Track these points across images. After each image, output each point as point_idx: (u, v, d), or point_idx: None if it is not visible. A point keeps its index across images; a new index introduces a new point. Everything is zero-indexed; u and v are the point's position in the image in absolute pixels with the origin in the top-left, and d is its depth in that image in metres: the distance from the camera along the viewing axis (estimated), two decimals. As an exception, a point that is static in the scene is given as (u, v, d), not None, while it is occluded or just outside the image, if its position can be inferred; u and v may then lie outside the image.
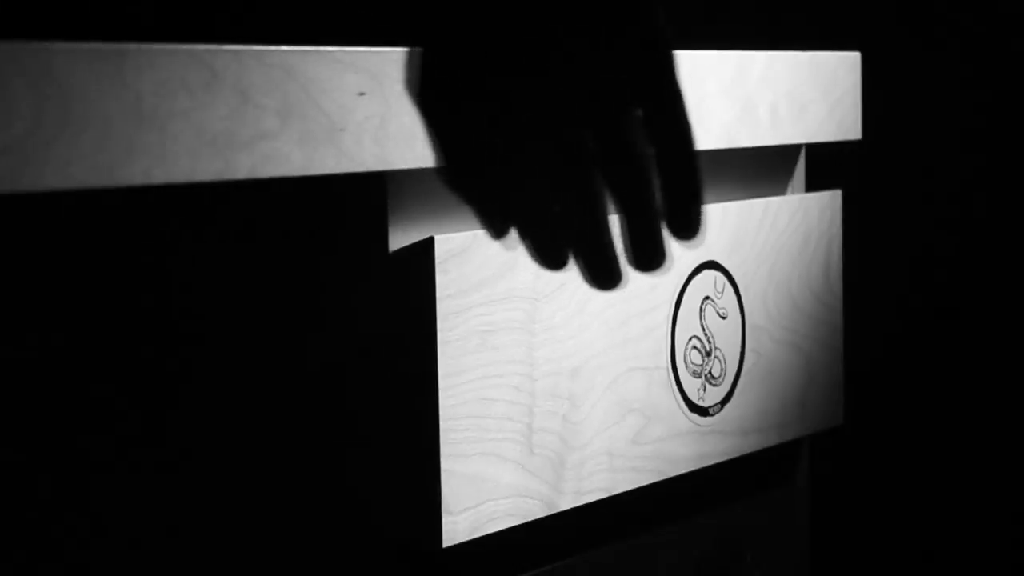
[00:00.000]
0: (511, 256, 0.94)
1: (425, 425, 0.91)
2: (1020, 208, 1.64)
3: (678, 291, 1.07)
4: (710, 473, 1.14)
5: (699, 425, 1.10)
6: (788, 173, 1.25)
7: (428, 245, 0.90)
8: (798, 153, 1.25)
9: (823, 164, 1.34)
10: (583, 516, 1.03)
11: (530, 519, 0.97)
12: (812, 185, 1.27)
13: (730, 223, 1.12)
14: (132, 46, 0.74)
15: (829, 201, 1.23)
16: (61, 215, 0.79)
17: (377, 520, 0.93)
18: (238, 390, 0.87)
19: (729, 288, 1.12)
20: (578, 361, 0.99)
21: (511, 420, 0.95)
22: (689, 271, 1.08)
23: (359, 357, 0.91)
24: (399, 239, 0.91)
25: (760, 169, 1.21)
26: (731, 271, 1.12)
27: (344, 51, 0.84)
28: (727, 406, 1.12)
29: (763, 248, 1.15)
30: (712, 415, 1.11)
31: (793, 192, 1.25)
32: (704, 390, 1.10)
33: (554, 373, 0.98)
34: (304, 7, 1.60)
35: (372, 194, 0.90)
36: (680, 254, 1.07)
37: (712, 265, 1.10)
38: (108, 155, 0.73)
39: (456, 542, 0.92)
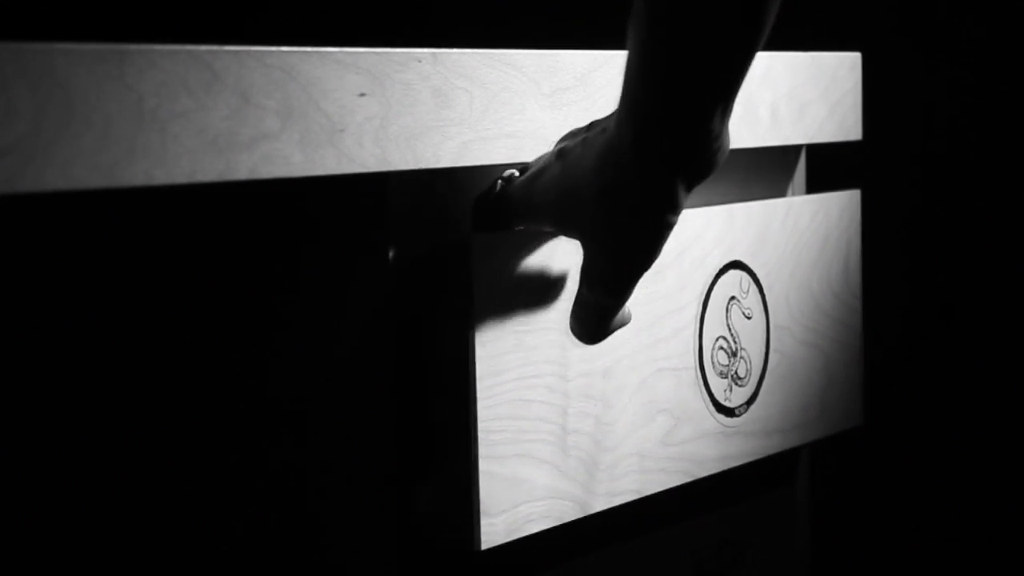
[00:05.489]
0: (546, 255, 0.94)
1: (463, 426, 0.90)
2: (1021, 208, 1.64)
3: (705, 291, 1.07)
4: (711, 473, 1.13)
5: (725, 426, 1.09)
6: (788, 173, 1.25)
7: (465, 244, 0.90)
8: (798, 153, 1.26)
9: (823, 164, 1.34)
10: (582, 518, 1.03)
11: (564, 521, 0.96)
12: (812, 185, 1.27)
13: (754, 223, 1.12)
14: (133, 47, 0.74)
15: (848, 201, 1.22)
16: (62, 216, 0.79)
17: (414, 522, 0.92)
18: (251, 393, 0.87)
19: (753, 288, 1.12)
20: (610, 361, 0.99)
21: (546, 421, 0.94)
22: (715, 271, 1.08)
23: (361, 357, 0.91)
24: (399, 241, 0.91)
25: (760, 169, 1.21)
26: (755, 271, 1.12)
27: (345, 52, 0.84)
28: (752, 407, 1.12)
29: (785, 248, 1.15)
30: (738, 416, 1.10)
31: (793, 192, 1.25)
32: (730, 391, 1.10)
33: (587, 373, 0.97)
34: (305, 7, 1.60)
35: (372, 195, 0.90)
36: (706, 253, 1.07)
37: (737, 265, 1.10)
38: (109, 156, 0.73)
39: (494, 544, 0.91)
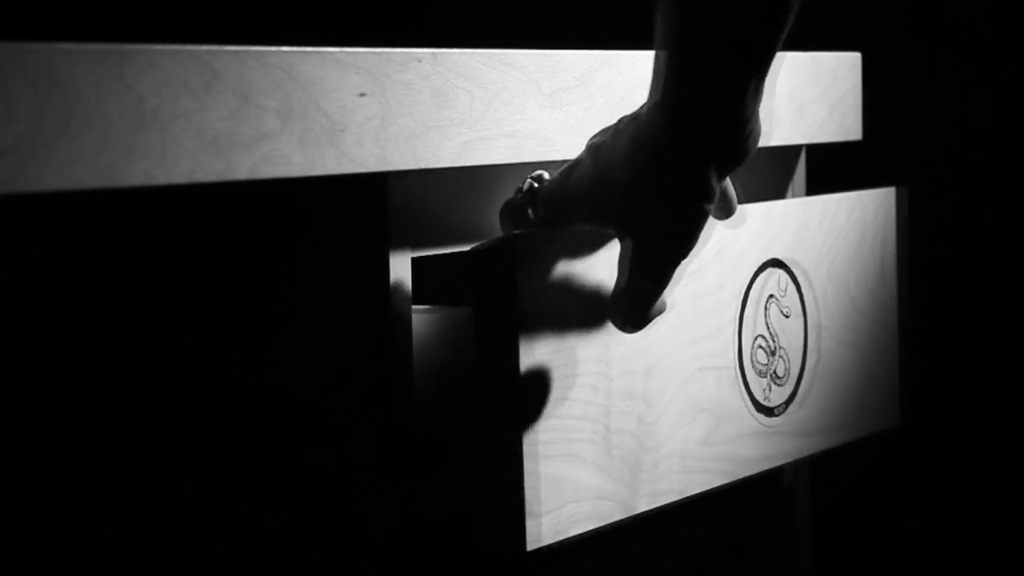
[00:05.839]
0: (586, 255, 0.93)
1: (507, 426, 0.89)
2: (1022, 207, 1.64)
3: (744, 289, 1.06)
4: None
5: (765, 426, 1.08)
6: (788, 173, 1.25)
7: (509, 244, 0.89)
8: (798, 153, 1.25)
9: (823, 164, 1.34)
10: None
11: (608, 522, 0.95)
12: (812, 185, 1.27)
13: (792, 221, 1.11)
14: (133, 47, 0.74)
15: (884, 199, 1.22)
16: (62, 216, 0.79)
17: (460, 523, 0.92)
18: (251, 393, 0.87)
19: (792, 286, 1.11)
20: (651, 360, 0.98)
21: (589, 420, 0.93)
22: (754, 269, 1.07)
23: (360, 357, 0.91)
24: (399, 240, 0.91)
25: (760, 169, 1.21)
26: (793, 269, 1.11)
27: (345, 52, 0.84)
28: (791, 406, 1.11)
29: (823, 246, 1.14)
30: (777, 415, 1.09)
31: (793, 192, 1.25)
32: (770, 390, 1.08)
33: (629, 373, 0.96)
34: (305, 7, 1.60)
35: (372, 195, 0.90)
36: (745, 251, 1.06)
37: (776, 263, 1.09)
38: (109, 156, 0.73)
39: (539, 545, 0.90)
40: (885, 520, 1.74)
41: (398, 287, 0.91)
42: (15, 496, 0.79)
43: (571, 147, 0.98)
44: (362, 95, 0.85)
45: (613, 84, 1.01)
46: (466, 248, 0.96)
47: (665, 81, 0.84)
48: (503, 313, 0.89)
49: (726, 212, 0.94)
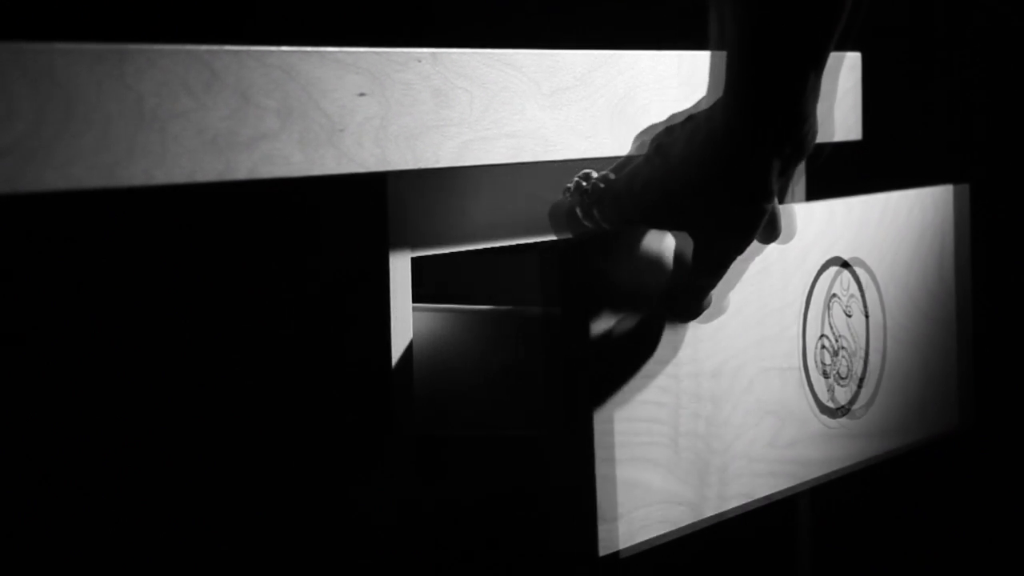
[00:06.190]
0: (656, 254, 0.93)
1: (578, 429, 0.89)
2: (1021, 206, 1.64)
3: (808, 288, 1.05)
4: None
5: (829, 427, 1.07)
6: (788, 173, 1.24)
7: (578, 245, 0.89)
8: (798, 153, 1.25)
9: (823, 164, 1.34)
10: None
11: (679, 526, 0.94)
12: (812, 185, 1.27)
13: (854, 219, 1.10)
14: (133, 47, 0.74)
15: (944, 196, 1.20)
16: (62, 216, 0.79)
17: (533, 527, 0.92)
18: (250, 393, 0.87)
19: (855, 285, 1.10)
20: (718, 361, 0.97)
21: (658, 423, 0.93)
22: (818, 268, 1.06)
23: (360, 357, 0.91)
24: (399, 240, 0.91)
25: (760, 169, 1.21)
26: (856, 268, 1.10)
27: (344, 51, 0.84)
28: (854, 408, 1.10)
29: (884, 244, 1.13)
30: (841, 417, 1.08)
31: (793, 193, 1.25)
32: (833, 391, 1.07)
33: (697, 374, 0.95)
34: (304, 7, 1.60)
35: (372, 195, 0.90)
36: (808, 250, 1.05)
37: (839, 261, 1.08)
38: (109, 155, 0.73)
39: (612, 551, 0.89)
40: (886, 522, 1.74)
41: (398, 287, 0.91)
42: (15, 496, 0.79)
43: (571, 147, 0.98)
44: (362, 95, 0.85)
45: (613, 84, 1.01)
46: (465, 248, 0.97)
47: (727, 79, 0.85)
48: (574, 314, 0.88)
49: (767, 234, 0.94)
